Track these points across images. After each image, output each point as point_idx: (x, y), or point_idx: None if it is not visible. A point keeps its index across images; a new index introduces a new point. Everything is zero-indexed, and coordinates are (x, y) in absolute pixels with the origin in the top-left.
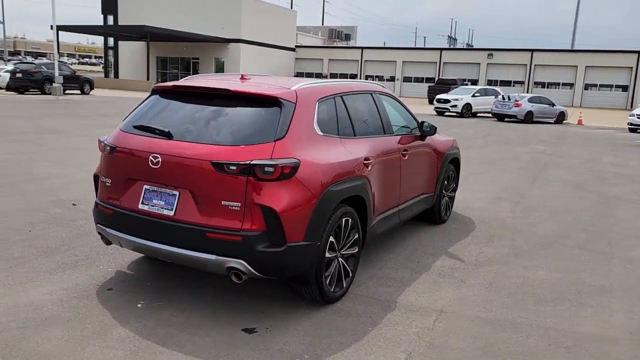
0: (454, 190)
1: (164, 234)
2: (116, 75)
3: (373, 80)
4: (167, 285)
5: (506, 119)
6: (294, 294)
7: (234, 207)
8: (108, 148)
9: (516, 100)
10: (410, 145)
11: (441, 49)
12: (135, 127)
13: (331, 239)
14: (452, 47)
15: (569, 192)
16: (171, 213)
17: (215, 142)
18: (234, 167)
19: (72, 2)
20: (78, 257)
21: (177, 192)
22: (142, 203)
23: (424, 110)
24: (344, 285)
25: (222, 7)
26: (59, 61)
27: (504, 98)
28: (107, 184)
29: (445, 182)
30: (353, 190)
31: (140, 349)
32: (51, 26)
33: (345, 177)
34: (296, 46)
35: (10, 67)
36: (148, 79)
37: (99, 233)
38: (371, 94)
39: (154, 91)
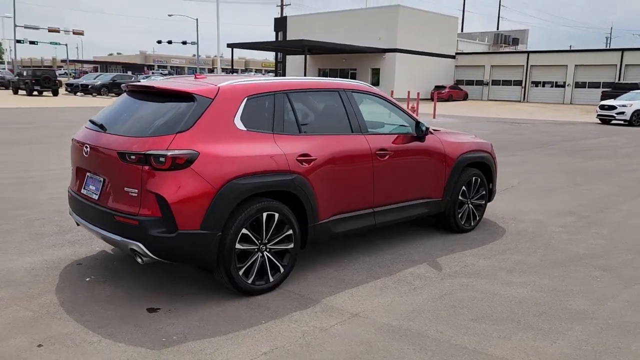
0: (484, 198)
1: (92, 215)
2: None
3: (541, 85)
4: (127, 266)
5: None
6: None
7: (133, 194)
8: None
9: None
10: (395, 147)
11: (622, 50)
12: (89, 121)
13: (245, 231)
14: (637, 47)
15: None
16: (96, 197)
17: (128, 134)
18: (133, 157)
19: (264, 23)
20: (84, 237)
21: (102, 179)
22: (84, 188)
23: (587, 118)
24: (271, 279)
25: (379, 17)
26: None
27: None
28: (71, 171)
29: (464, 188)
30: (275, 185)
31: (48, 314)
32: (228, 44)
33: (264, 171)
34: (456, 53)
35: None
36: None
37: (70, 214)
38: (339, 92)
39: (124, 91)
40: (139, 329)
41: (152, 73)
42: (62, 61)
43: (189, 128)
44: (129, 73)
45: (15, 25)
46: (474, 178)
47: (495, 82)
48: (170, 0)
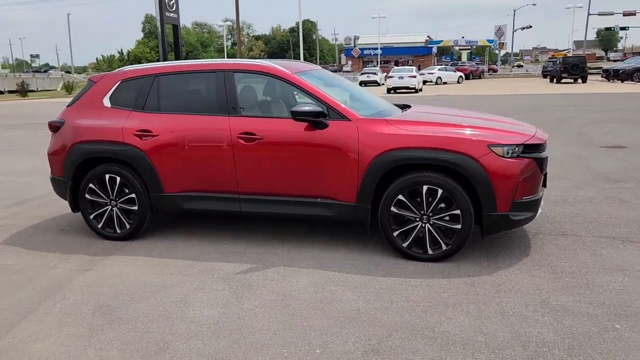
0: (457, 219)
1: None
2: None
3: None
4: None
5: None
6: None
7: None
8: None
9: None
10: (272, 132)
11: None
12: None
13: (91, 185)
14: None
15: None
16: None
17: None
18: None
19: None
20: None
21: None
22: None
23: None
24: (118, 231)
25: None
26: None
27: None
28: None
29: (401, 198)
30: (106, 153)
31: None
32: None
33: (98, 140)
34: None
35: None
36: None
37: None
38: (216, 73)
39: None
40: (28, 236)
41: None
42: None
43: (72, 104)
44: None
45: (588, 14)
46: (425, 187)
47: None
48: None
